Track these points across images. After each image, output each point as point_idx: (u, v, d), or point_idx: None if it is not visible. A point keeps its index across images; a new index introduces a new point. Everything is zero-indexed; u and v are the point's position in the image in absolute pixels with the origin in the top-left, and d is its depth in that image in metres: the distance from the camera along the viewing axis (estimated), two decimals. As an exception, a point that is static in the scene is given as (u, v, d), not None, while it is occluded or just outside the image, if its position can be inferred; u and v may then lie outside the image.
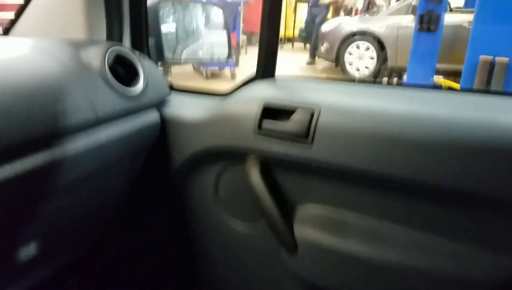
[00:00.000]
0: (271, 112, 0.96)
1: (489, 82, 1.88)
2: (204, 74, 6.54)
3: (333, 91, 0.98)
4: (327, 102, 0.91)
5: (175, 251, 1.25)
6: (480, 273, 0.79)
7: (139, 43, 1.15)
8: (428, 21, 4.95)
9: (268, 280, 1.09)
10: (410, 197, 0.85)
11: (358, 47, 6.55)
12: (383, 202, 0.88)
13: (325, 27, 7.33)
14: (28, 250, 0.87)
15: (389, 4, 6.66)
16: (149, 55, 1.18)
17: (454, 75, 4.89)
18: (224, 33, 1.37)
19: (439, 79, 5.36)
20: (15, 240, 0.83)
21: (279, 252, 1.01)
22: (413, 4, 5.89)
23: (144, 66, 1.04)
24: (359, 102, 0.90)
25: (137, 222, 1.26)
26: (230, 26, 6.09)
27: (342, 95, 0.95)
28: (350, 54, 6.63)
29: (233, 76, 6.56)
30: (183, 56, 1.31)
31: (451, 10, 5.82)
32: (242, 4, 6.57)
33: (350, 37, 6.61)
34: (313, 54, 7.78)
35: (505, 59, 1.84)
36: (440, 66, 5.23)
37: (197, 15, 1.35)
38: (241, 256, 1.11)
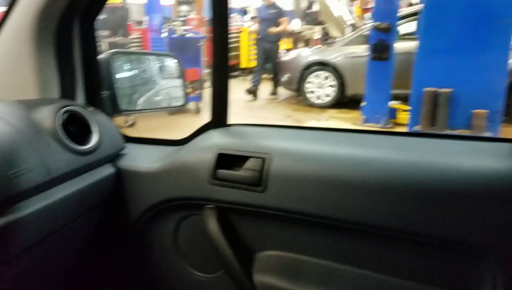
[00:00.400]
0: (225, 160, 0.99)
1: (435, 113, 2.00)
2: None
3: (284, 137, 1.03)
4: (278, 148, 0.95)
5: None
6: None
7: (92, 98, 1.17)
8: (380, 50, 5.21)
9: None
10: (360, 238, 0.89)
11: (317, 76, 6.77)
12: (335, 244, 0.92)
13: (285, 59, 7.55)
14: None
15: (344, 35, 6.94)
16: (103, 108, 1.19)
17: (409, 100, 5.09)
18: (179, 81, 1.40)
19: (395, 104, 5.60)
20: None
21: None
22: (365, 34, 6.18)
23: (97, 121, 1.05)
24: (308, 148, 0.94)
25: (97, 276, 1.24)
26: (193, 62, 6.17)
27: (292, 141, 1.00)
28: (310, 83, 6.84)
29: (197, 110, 6.59)
30: (139, 106, 1.33)
31: (401, 38, 6.14)
32: (203, 40, 6.69)
33: (309, 68, 6.83)
34: (275, 86, 7.96)
35: (447, 90, 1.96)
36: (395, 91, 5.48)
37: (151, 65, 1.38)
38: None
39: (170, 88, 1.42)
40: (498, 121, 2.02)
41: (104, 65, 1.22)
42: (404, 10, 6.69)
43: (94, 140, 1.01)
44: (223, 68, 1.07)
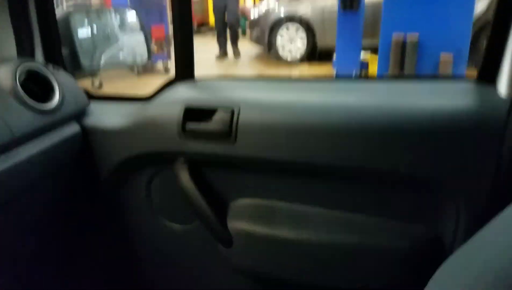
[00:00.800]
0: (193, 114, 0.98)
1: (403, 59, 2.02)
2: (136, 70, 6.36)
3: (252, 89, 1.02)
4: (246, 100, 0.95)
5: (113, 259, 1.24)
6: (393, 242, 0.88)
7: (52, 56, 1.12)
8: (350, 1, 5.14)
9: (207, 275, 1.12)
10: (329, 180, 0.92)
11: (287, 30, 6.67)
12: (305, 188, 0.95)
13: (254, 13, 7.36)
14: None
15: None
16: (64, 66, 1.15)
17: (379, 50, 5.10)
18: (141, 34, 1.36)
19: (366, 54, 5.60)
20: None
21: (215, 248, 1.04)
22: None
23: (58, 79, 1.02)
24: (276, 97, 0.95)
25: (70, 236, 1.24)
26: (158, 19, 5.95)
27: (260, 92, 0.99)
28: (281, 37, 6.73)
29: (166, 69, 6.44)
30: (102, 62, 1.29)
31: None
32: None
33: (279, 21, 6.70)
34: (224, 46, 7.62)
35: (415, 35, 1.97)
36: (366, 42, 5.46)
37: (112, 20, 1.33)
38: (179, 256, 1.14)
39: (131, 43, 1.37)
40: (464, 65, 2.06)
41: (63, 22, 1.17)
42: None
43: (56, 98, 0.99)
44: (186, 21, 1.03)
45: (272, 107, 0.93)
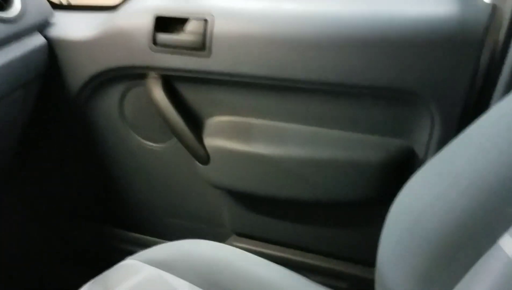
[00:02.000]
0: (165, 23, 0.92)
1: None
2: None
3: None
4: (221, 8, 0.90)
5: (86, 179, 1.23)
6: (367, 155, 0.90)
7: None
8: None
9: (184, 192, 1.14)
10: (306, 95, 0.91)
11: None
12: (282, 103, 0.94)
13: None
14: None
15: None
16: None
17: None
18: None
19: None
20: None
21: (193, 165, 1.05)
22: None
23: None
24: (252, 5, 0.89)
25: (38, 154, 1.22)
26: None
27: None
28: None
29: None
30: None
31: None
32: None
33: None
34: None
35: None
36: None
37: None
38: (156, 174, 1.14)
39: None
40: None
41: None
42: None
43: (16, 5, 0.91)
44: None
45: (248, 15, 0.87)
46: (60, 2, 1.15)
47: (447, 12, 0.76)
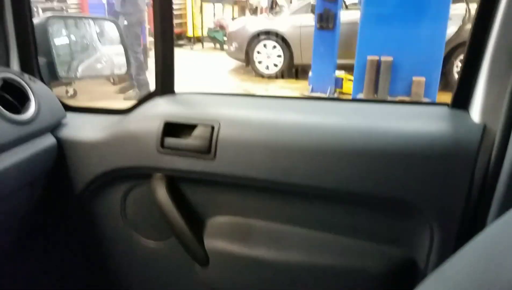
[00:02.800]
0: (172, 128, 0.97)
1: (377, 81, 2.07)
2: (112, 79, 6.27)
3: (231, 105, 1.03)
4: (226, 116, 0.95)
5: (86, 275, 1.20)
6: (368, 264, 0.89)
7: (28, 65, 1.10)
8: (326, 20, 5.26)
9: None
10: (306, 200, 0.93)
11: (265, 46, 6.75)
12: (283, 207, 0.95)
13: (232, 27, 7.43)
14: None
15: (291, 4, 6.93)
16: (40, 76, 1.13)
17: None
18: (120, 46, 1.34)
19: (341, 74, 5.73)
20: None
21: (192, 266, 1.03)
22: (311, 3, 6.20)
23: (34, 90, 1.00)
24: (255, 115, 0.95)
25: (43, 248, 1.20)
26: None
27: (240, 109, 1.00)
28: (259, 52, 6.80)
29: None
30: (79, 73, 1.27)
31: (346, 7, 6.24)
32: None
33: (257, 37, 6.78)
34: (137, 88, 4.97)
35: (389, 58, 2.04)
36: (341, 61, 5.59)
37: (91, 30, 1.31)
38: (154, 274, 1.11)
39: (110, 54, 1.36)
40: (435, 88, 2.14)
41: (40, 30, 1.14)
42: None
43: (32, 109, 0.96)
44: (167, 34, 1.03)
45: (251, 124, 0.93)
46: (67, 91, 1.23)
47: (441, 130, 0.81)
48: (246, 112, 0.98)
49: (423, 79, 2.00)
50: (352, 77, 5.48)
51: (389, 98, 2.11)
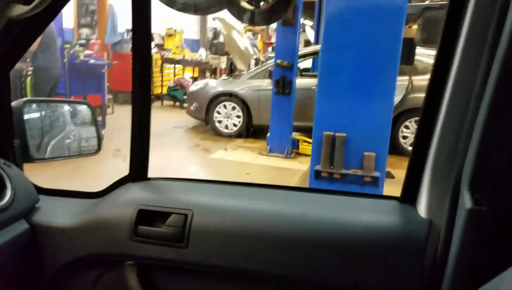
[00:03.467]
0: (145, 215, 1.02)
1: (333, 154, 2.24)
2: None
3: (204, 192, 1.09)
4: (199, 204, 1.01)
5: None
6: None
7: (4, 148, 1.12)
8: (282, 86, 5.58)
9: None
10: (276, 287, 0.98)
11: (225, 106, 6.96)
12: None
13: (193, 87, 7.64)
14: None
15: (249, 69, 7.28)
16: (15, 159, 1.15)
17: (309, 131, 5.48)
18: (92, 128, 1.40)
19: (297, 135, 5.98)
20: None
21: None
22: (269, 69, 6.56)
23: (10, 176, 1.02)
24: (228, 203, 1.02)
25: None
26: (95, 88, 5.94)
27: (212, 196, 1.06)
28: (219, 113, 7.00)
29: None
30: (49, 154, 1.30)
31: (301, 74, 6.64)
32: (106, 67, 6.49)
33: (217, 98, 7.00)
34: None
35: (343, 134, 2.23)
36: (297, 124, 5.87)
37: (64, 113, 1.37)
38: None
39: (82, 134, 1.41)
40: (384, 162, 2.33)
41: (16, 113, 1.18)
42: (303, 50, 7.27)
43: (7, 196, 0.98)
44: (143, 121, 1.10)
45: (224, 212, 0.99)
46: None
47: (391, 224, 0.90)
48: (218, 199, 1.04)
49: (373, 154, 2.19)
50: (308, 139, 5.74)
51: (344, 171, 2.28)
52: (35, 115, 1.31)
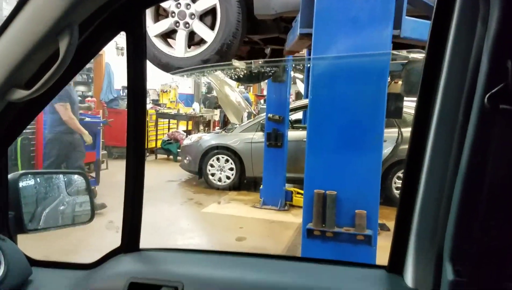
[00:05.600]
0: (137, 287, 1.03)
1: (324, 212, 2.27)
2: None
3: (195, 263, 1.11)
4: (190, 276, 1.03)
5: None
6: None
7: None
8: (274, 139, 5.68)
9: None
10: None
11: (218, 159, 7.02)
12: None
13: (186, 141, 7.74)
14: None
15: (242, 122, 7.45)
16: (9, 232, 1.17)
17: (302, 182, 5.52)
18: (86, 197, 1.43)
19: (290, 187, 6.01)
20: None
21: None
22: (261, 122, 6.71)
23: (4, 251, 1.04)
24: (219, 274, 1.04)
25: None
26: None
27: (203, 267, 1.08)
28: (212, 166, 7.05)
29: (94, 194, 6.30)
30: (43, 225, 1.32)
31: (292, 127, 6.79)
32: (101, 125, 6.60)
33: (210, 151, 7.08)
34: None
35: (333, 192, 2.26)
36: (290, 175, 5.92)
37: (59, 183, 1.40)
38: None
39: (76, 203, 1.44)
40: (376, 220, 2.35)
41: (12, 185, 1.21)
42: (294, 103, 7.48)
43: (0, 271, 0.99)
44: (137, 193, 1.13)
45: (213, 284, 1.01)
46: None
47: None
48: (209, 270, 1.06)
49: (364, 212, 2.22)
50: (300, 191, 5.76)
51: (336, 229, 2.29)
52: (32, 186, 1.34)
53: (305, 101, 7.50)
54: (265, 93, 10.65)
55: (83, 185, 1.44)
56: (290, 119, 6.41)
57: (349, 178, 2.28)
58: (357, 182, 2.27)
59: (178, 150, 9.04)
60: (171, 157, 9.89)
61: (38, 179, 1.37)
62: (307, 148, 2.40)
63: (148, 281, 1.04)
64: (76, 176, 1.46)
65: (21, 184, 1.27)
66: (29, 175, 1.34)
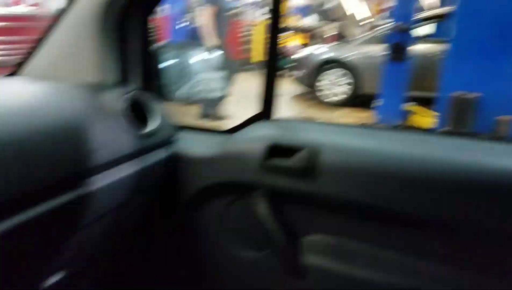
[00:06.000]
0: (275, 151, 1.05)
1: (462, 117, 2.05)
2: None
3: (333, 133, 1.09)
4: (328, 142, 1.02)
5: (184, 283, 1.29)
6: None
7: (149, 85, 1.23)
8: (398, 51, 5.23)
9: None
10: (403, 227, 0.96)
11: (333, 74, 6.80)
12: (380, 231, 0.99)
13: (299, 54, 7.57)
14: (53, 280, 0.92)
15: (360, 34, 6.97)
16: (158, 96, 1.26)
17: (426, 102, 5.13)
18: (220, 73, 1.47)
19: (412, 106, 5.62)
20: (43, 272, 0.88)
21: (286, 280, 1.08)
22: (382, 34, 6.20)
23: (154, 108, 1.12)
24: (356, 143, 1.01)
25: (149, 254, 1.31)
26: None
27: (341, 136, 1.06)
28: (326, 80, 6.87)
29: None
30: (183, 95, 1.39)
31: (420, 40, 6.16)
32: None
33: (325, 64, 6.86)
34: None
35: (475, 95, 2.01)
36: (413, 93, 5.50)
37: (198, 57, 1.45)
38: (249, 284, 1.18)
39: (213, 79, 1.48)
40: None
41: (157, 55, 1.28)
42: (424, 13, 6.69)
43: (153, 124, 1.08)
44: (273, 64, 1.13)
45: (352, 151, 0.99)
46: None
47: None
48: (347, 139, 1.04)
49: (508, 118, 1.95)
50: (422, 110, 5.36)
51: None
52: (173, 58, 1.40)
53: (437, 11, 6.68)
54: (387, 5, 9.72)
55: (221, 60, 1.47)
56: (418, 31, 5.79)
57: (498, 80, 2.00)
58: (506, 84, 1.99)
59: (288, 66, 8.92)
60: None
61: (179, 51, 1.43)
62: (451, 44, 2.13)
63: (287, 143, 1.05)
64: (215, 51, 1.49)
65: (164, 54, 1.33)
66: (171, 46, 1.40)
